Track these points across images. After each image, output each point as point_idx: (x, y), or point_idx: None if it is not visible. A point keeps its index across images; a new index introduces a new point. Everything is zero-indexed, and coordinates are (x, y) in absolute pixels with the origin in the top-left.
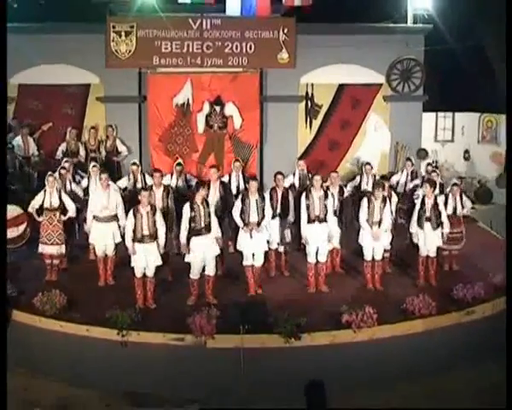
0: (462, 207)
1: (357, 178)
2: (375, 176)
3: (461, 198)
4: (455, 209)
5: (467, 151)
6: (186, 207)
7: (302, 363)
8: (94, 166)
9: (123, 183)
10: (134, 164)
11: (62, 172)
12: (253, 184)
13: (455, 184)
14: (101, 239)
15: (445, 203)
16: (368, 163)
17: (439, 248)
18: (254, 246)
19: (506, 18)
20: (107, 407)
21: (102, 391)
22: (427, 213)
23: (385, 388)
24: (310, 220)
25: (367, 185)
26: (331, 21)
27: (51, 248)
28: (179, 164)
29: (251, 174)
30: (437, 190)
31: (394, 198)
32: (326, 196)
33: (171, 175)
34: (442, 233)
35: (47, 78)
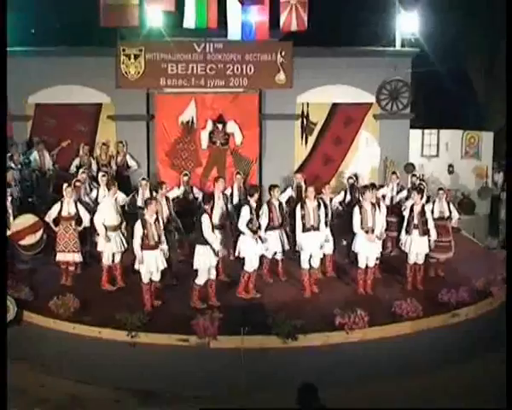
0: (450, 212)
1: (342, 193)
2: (358, 189)
3: (448, 204)
4: (442, 214)
5: (451, 165)
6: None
7: (298, 362)
8: (103, 175)
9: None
10: (143, 179)
11: (78, 184)
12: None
13: (440, 189)
14: (109, 247)
15: (432, 208)
16: (350, 177)
17: (426, 256)
18: (257, 252)
19: (506, 18)
20: (116, 402)
21: (112, 388)
22: (415, 221)
23: (375, 385)
24: (305, 229)
25: (352, 199)
26: (325, 45)
27: (68, 256)
28: (186, 174)
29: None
30: (424, 199)
31: (383, 208)
32: (319, 207)
33: (179, 185)
34: (429, 240)
35: (62, 97)
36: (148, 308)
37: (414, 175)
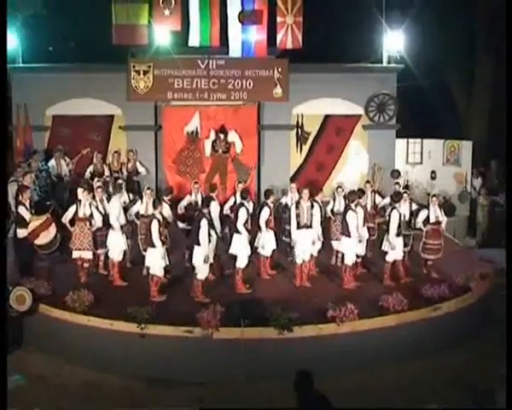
0: (442, 216)
1: (331, 201)
2: (345, 196)
3: (440, 208)
4: (437, 218)
5: (433, 172)
6: None
7: (293, 351)
8: (116, 178)
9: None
10: (148, 189)
11: (99, 190)
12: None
13: (434, 196)
14: (120, 244)
15: (428, 214)
16: (339, 186)
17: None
18: (248, 250)
19: (506, 18)
20: (127, 388)
21: (124, 375)
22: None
23: (364, 372)
24: (299, 227)
25: (340, 206)
26: (318, 62)
27: (83, 253)
28: (196, 182)
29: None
30: (405, 206)
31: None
32: (312, 207)
33: (191, 193)
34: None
35: (77, 110)
36: (157, 299)
37: (397, 183)
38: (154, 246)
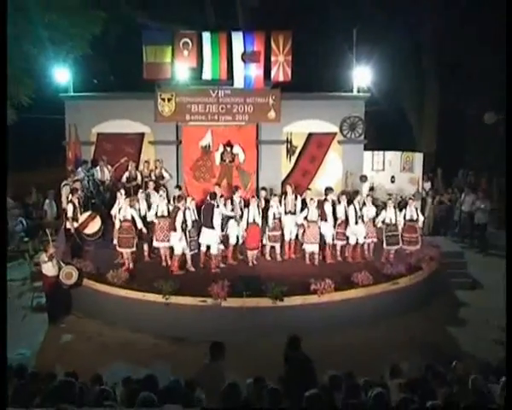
0: (417, 215)
1: (306, 209)
2: (318, 201)
3: (416, 209)
4: (412, 217)
5: (393, 177)
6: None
7: (284, 316)
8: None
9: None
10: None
11: (141, 196)
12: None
13: (411, 198)
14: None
15: (405, 213)
16: (312, 198)
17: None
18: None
19: (506, 18)
20: (155, 345)
21: (152, 335)
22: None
23: (338, 333)
24: (285, 213)
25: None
26: (303, 91)
27: (122, 249)
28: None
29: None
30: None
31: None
32: (296, 199)
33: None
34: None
35: (116, 128)
36: (175, 272)
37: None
38: (175, 230)
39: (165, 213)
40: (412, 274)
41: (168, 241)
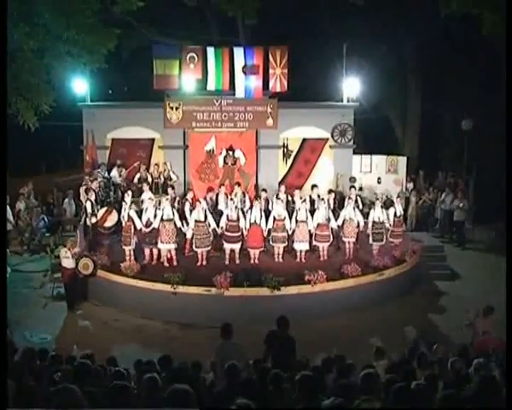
0: (401, 212)
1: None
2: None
3: (401, 206)
4: (400, 212)
5: (379, 178)
6: None
7: (281, 304)
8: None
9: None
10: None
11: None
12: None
13: (398, 196)
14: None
15: (395, 211)
16: (302, 198)
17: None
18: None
19: (506, 18)
20: (165, 331)
21: (162, 321)
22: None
23: (331, 319)
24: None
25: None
26: (298, 100)
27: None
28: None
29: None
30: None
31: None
32: (287, 198)
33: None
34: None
35: (129, 134)
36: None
37: (353, 186)
38: (186, 219)
39: (171, 217)
40: (397, 266)
41: (173, 243)
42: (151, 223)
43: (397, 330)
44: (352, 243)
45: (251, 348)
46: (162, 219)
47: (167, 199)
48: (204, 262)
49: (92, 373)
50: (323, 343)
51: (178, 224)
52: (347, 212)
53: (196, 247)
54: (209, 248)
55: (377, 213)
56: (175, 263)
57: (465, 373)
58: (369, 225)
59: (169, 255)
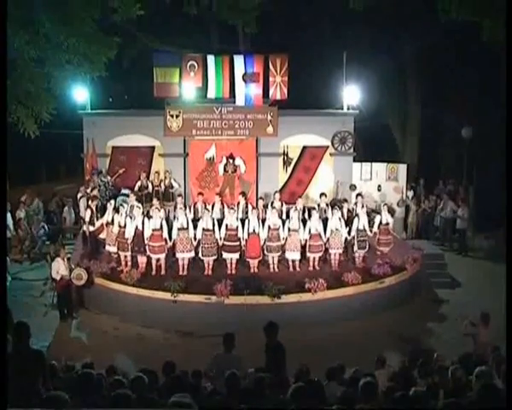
0: (388, 220)
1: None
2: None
3: (390, 214)
4: (386, 221)
5: (379, 186)
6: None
7: (281, 312)
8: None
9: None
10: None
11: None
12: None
13: (385, 204)
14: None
15: (381, 218)
16: (296, 209)
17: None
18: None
19: (506, 18)
20: (165, 339)
21: (162, 329)
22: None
23: (331, 327)
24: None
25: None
26: (298, 108)
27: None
28: (219, 194)
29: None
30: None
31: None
32: (282, 205)
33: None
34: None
35: (129, 142)
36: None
37: (345, 200)
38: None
39: (185, 226)
40: (397, 274)
41: (190, 251)
42: (140, 231)
43: (397, 338)
44: (337, 255)
45: (251, 356)
46: (177, 228)
47: (181, 207)
48: (210, 272)
49: (93, 382)
50: (324, 351)
51: (192, 233)
52: (333, 223)
53: (203, 255)
54: (215, 256)
55: (362, 221)
56: (185, 272)
57: (466, 381)
58: (353, 233)
59: (158, 264)
